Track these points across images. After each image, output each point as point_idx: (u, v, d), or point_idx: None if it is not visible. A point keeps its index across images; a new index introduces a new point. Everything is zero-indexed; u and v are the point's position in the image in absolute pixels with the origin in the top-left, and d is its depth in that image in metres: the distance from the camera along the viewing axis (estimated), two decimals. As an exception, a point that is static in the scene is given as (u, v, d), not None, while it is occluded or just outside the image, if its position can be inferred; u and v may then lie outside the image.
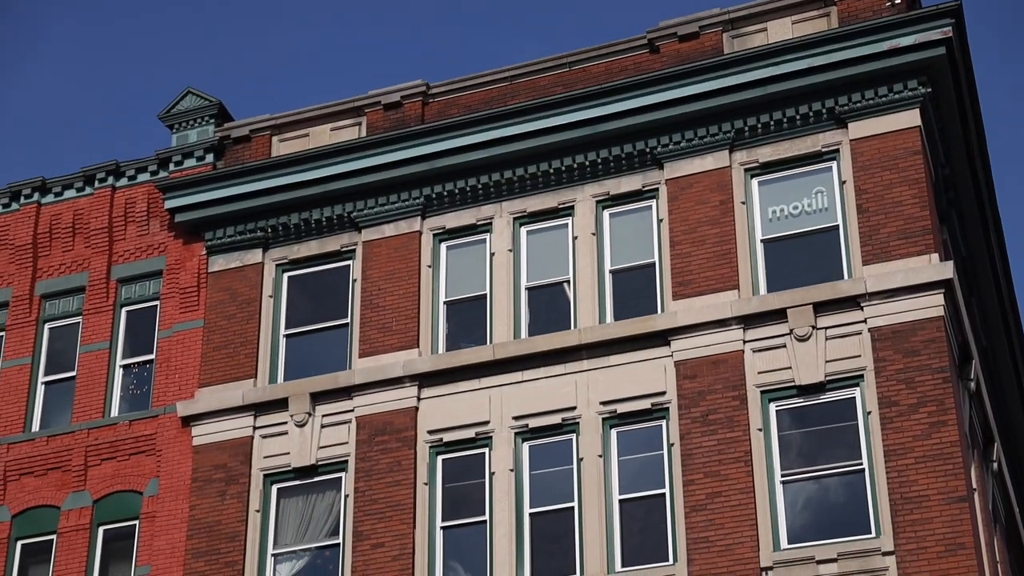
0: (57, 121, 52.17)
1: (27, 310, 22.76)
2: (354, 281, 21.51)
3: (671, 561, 18.72)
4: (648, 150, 20.74)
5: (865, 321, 19.01)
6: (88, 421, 21.64)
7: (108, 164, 23.14)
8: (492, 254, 21.11)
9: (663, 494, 19.13)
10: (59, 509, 21.28)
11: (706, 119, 20.51)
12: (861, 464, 18.52)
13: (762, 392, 19.15)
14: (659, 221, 20.59)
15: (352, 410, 20.56)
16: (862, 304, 19.05)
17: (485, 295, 20.92)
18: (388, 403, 20.38)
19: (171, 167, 22.94)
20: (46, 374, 22.48)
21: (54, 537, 21.21)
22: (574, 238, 20.84)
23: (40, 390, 22.40)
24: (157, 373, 21.74)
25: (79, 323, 22.61)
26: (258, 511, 20.43)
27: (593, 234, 20.75)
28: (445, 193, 21.41)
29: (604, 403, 19.63)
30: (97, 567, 20.92)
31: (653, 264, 20.43)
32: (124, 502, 21.11)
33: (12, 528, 21.40)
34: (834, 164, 20.13)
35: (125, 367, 22.16)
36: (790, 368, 19.11)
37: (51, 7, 50.64)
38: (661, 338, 19.72)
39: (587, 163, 20.94)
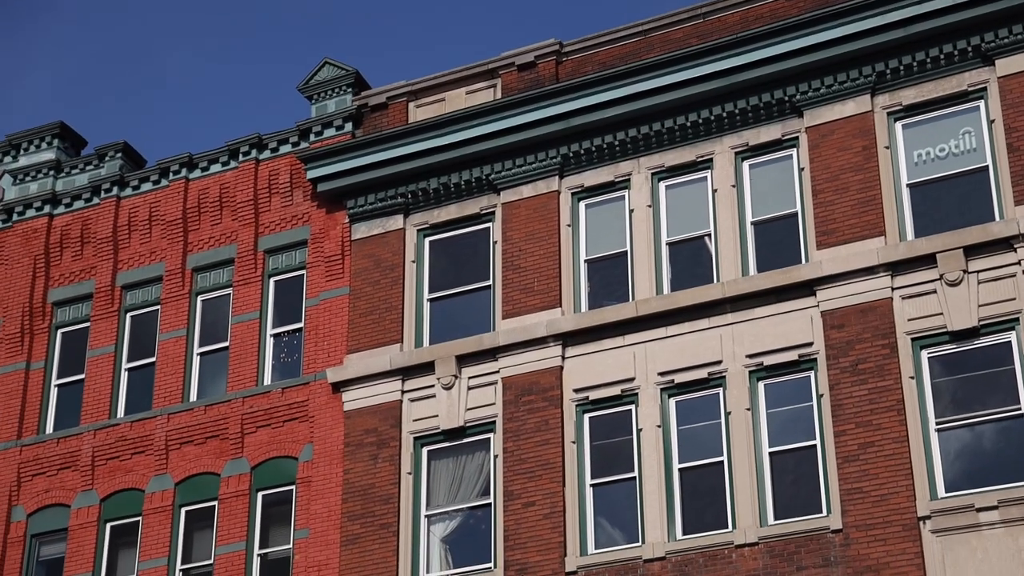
0: (200, 97, 53.34)
1: (180, 283, 23.31)
2: (495, 243, 21.61)
3: (824, 512, 18.51)
4: (787, 98, 20.39)
5: (1019, 263, 18.51)
6: (243, 390, 22.10)
7: (251, 137, 23.53)
8: (631, 210, 21.00)
9: (814, 445, 18.90)
10: (219, 476, 21.80)
11: (846, 64, 20.09)
12: (1020, 409, 18.07)
13: (913, 339, 18.78)
14: (800, 170, 20.26)
15: (498, 371, 20.68)
16: (1015, 245, 18.54)
17: (626, 252, 20.84)
18: (533, 363, 20.46)
19: (311, 137, 23.26)
20: (201, 345, 23.02)
21: (215, 503, 21.75)
22: (714, 191, 20.63)
23: (196, 361, 22.91)
24: (306, 341, 22.11)
25: (230, 295, 23.10)
26: (410, 473, 20.71)
27: (733, 186, 20.51)
28: (582, 151, 21.34)
29: (750, 356, 19.44)
30: (258, 531, 21.39)
31: (796, 214, 20.14)
32: (280, 468, 21.54)
33: (176, 495, 21.97)
34: (981, 103, 19.58)
35: (275, 336, 22.60)
36: (941, 314, 18.70)
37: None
38: (806, 288, 19.45)
39: (724, 115, 20.67)
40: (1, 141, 25.29)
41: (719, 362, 19.56)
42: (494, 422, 20.52)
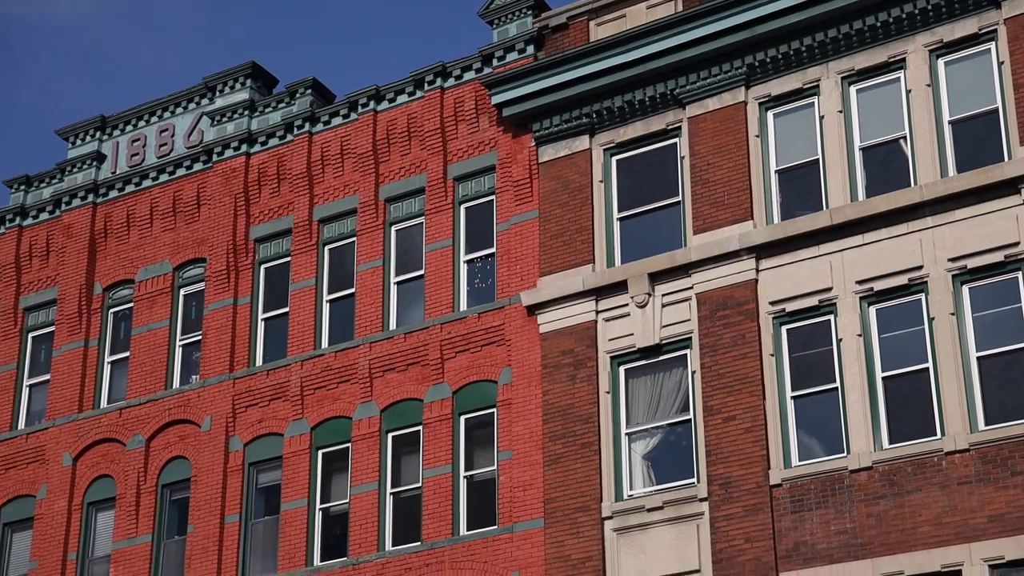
0: (382, 29, 53.88)
1: (374, 215, 23.73)
2: (682, 158, 21.38)
3: (1038, 417, 17.98)
4: (982, -11, 19.56)
5: None
6: (440, 317, 22.47)
7: (435, 66, 23.67)
8: (821, 117, 20.50)
9: (1024, 348, 18.35)
10: (422, 401, 22.24)
11: (1046, -52, 19.15)
12: None
13: None
14: (999, 64, 19.44)
15: (691, 287, 20.55)
16: None
17: (817, 160, 20.40)
18: (727, 277, 20.27)
19: (494, 63, 23.29)
20: (397, 274, 23.42)
21: (420, 428, 22.23)
22: (907, 92, 19.97)
23: (393, 290, 23.34)
24: (499, 265, 22.31)
25: (422, 223, 23.42)
26: (608, 392, 20.81)
27: (928, 85, 19.81)
28: (768, 59, 20.87)
29: (952, 259, 18.89)
30: (462, 454, 21.79)
31: (996, 110, 19.38)
32: (481, 391, 21.88)
33: (382, 421, 22.52)
34: None
35: (468, 262, 22.86)
36: None
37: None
38: (1010, 186, 18.76)
39: (916, 11, 19.93)
40: (198, 84, 26.04)
41: (920, 267, 19.07)
42: (690, 338, 20.43)
